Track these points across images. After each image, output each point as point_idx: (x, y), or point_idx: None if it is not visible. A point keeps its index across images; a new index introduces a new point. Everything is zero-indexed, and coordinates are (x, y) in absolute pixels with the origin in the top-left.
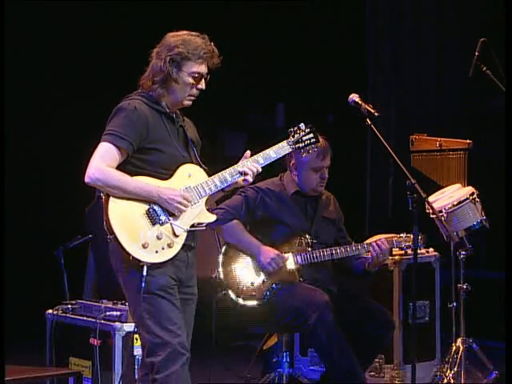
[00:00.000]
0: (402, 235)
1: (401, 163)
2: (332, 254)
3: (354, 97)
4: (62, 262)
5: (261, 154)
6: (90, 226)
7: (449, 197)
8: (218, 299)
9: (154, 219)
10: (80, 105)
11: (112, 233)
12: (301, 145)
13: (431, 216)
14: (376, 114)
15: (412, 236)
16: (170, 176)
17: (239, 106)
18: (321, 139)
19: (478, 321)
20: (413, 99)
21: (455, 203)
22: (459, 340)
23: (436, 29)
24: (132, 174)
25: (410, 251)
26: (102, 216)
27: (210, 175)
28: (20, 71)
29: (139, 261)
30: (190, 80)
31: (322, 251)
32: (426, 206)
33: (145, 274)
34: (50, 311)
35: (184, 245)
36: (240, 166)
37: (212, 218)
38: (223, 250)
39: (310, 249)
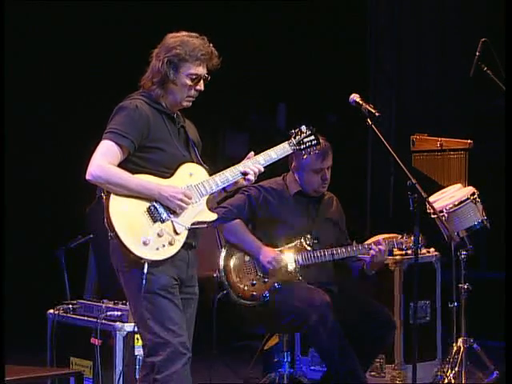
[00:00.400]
0: (402, 236)
1: (402, 163)
2: (333, 254)
3: (355, 97)
4: (63, 261)
5: (262, 155)
6: (91, 226)
7: (450, 197)
8: (218, 299)
9: (154, 217)
10: (80, 105)
11: (113, 230)
12: (302, 146)
13: (432, 216)
14: (377, 113)
15: (412, 237)
16: (171, 175)
17: (240, 106)
18: (321, 140)
19: (478, 321)
20: (413, 99)
21: (456, 203)
22: (460, 340)
23: (436, 29)
24: (133, 172)
25: (410, 251)
26: (103, 215)
27: (211, 174)
28: (20, 71)
29: (140, 258)
30: (188, 81)
31: (323, 251)
32: (427, 205)
33: (145, 271)
34: (51, 311)
35: (185, 243)
36: (241, 165)
37: (213, 216)
38: (224, 249)
39: (310, 249)
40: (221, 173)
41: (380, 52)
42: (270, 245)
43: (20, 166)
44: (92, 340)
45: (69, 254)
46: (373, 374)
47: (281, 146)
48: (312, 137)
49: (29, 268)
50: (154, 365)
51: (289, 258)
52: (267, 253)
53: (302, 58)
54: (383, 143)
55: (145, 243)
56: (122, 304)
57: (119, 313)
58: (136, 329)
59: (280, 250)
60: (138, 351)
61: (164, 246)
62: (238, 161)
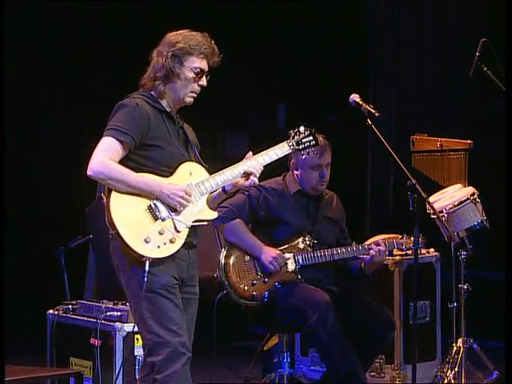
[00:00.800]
0: (402, 237)
1: (401, 163)
2: (333, 254)
3: (355, 97)
4: (63, 262)
5: (261, 155)
6: (91, 226)
7: (449, 197)
8: (218, 299)
9: (155, 214)
10: (80, 105)
11: (114, 228)
12: (301, 147)
13: (432, 216)
14: (377, 114)
15: (412, 238)
16: (171, 173)
17: (240, 106)
18: (319, 138)
19: (478, 321)
20: (413, 99)
21: (456, 203)
22: (460, 340)
23: (436, 29)
24: (133, 170)
25: (410, 252)
26: (103, 215)
27: (210, 174)
28: (20, 71)
29: (141, 256)
30: (192, 75)
31: (323, 252)
32: (427, 206)
33: (147, 269)
34: (51, 311)
35: (186, 242)
36: (241, 165)
37: (213, 215)
38: (224, 249)
39: (310, 249)
40: (220, 172)
41: (380, 52)
42: (271, 245)
43: (20, 166)
44: (92, 340)
45: (69, 254)
46: (372, 374)
47: (280, 145)
48: (311, 137)
49: (29, 268)
50: (154, 365)
51: (289, 258)
52: (268, 253)
53: (302, 57)
54: (383, 143)
55: (146, 241)
56: (122, 304)
57: (119, 313)
58: (136, 329)
59: (280, 250)
60: (138, 351)
61: (165, 243)
62: (238, 161)
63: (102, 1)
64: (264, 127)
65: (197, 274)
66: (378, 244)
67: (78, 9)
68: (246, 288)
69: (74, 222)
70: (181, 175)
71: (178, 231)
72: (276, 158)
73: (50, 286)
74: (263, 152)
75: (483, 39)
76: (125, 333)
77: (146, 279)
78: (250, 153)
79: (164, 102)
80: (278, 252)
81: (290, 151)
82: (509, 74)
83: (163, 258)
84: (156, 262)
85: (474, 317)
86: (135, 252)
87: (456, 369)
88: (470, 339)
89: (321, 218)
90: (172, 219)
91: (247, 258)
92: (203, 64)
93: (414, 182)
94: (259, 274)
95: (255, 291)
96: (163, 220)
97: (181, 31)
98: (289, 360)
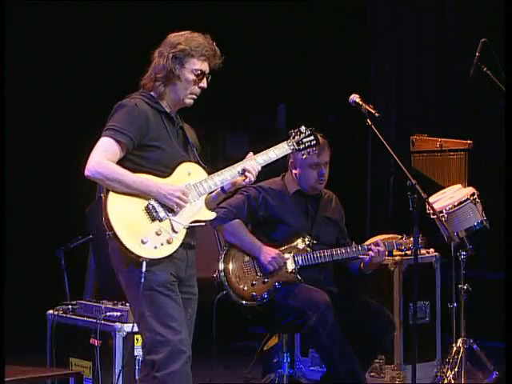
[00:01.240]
0: (402, 237)
1: (401, 163)
2: (332, 254)
3: (355, 97)
4: (63, 262)
5: (261, 155)
6: (91, 227)
7: (449, 197)
8: (218, 299)
9: (153, 215)
10: (80, 105)
11: (111, 229)
12: (301, 147)
13: (432, 216)
14: (376, 114)
15: (411, 239)
16: (170, 174)
17: (240, 106)
18: (318, 136)
19: (478, 321)
20: (413, 99)
21: (456, 204)
22: (460, 340)
23: (436, 29)
24: (131, 171)
25: (410, 252)
26: (102, 215)
27: (209, 174)
28: (20, 71)
29: (139, 257)
30: (193, 77)
31: (322, 252)
32: (427, 206)
33: (144, 269)
34: (51, 311)
35: (183, 243)
36: (240, 165)
37: (211, 215)
38: (224, 250)
39: (310, 249)
40: (219, 172)
41: (380, 52)
42: (270, 245)
43: (20, 166)
44: (91, 340)
45: (69, 254)
46: (372, 374)
47: (280, 145)
48: (311, 137)
49: (29, 268)
50: (154, 363)
51: (288, 258)
52: (267, 253)
53: (302, 57)
54: (383, 143)
55: (143, 242)
56: (122, 304)
57: (119, 313)
58: (136, 328)
59: (280, 251)
60: (138, 351)
61: (162, 244)
62: (238, 161)
63: (102, 1)
64: (264, 127)
65: (195, 275)
66: (377, 244)
67: (78, 9)
68: (245, 288)
69: (74, 222)
70: (179, 175)
71: (176, 232)
72: (276, 158)
73: (50, 286)
74: (263, 152)
75: (483, 39)
76: (125, 333)
77: (143, 280)
78: (251, 153)
79: (164, 103)
80: (278, 252)
81: (289, 151)
82: (509, 74)
83: (160, 258)
84: (153, 261)
85: (474, 317)
86: (132, 253)
87: (456, 369)
88: (470, 339)
89: (320, 218)
90: (169, 220)
91: (247, 258)
92: (204, 66)
93: (413, 182)
94: (259, 274)
95: (255, 291)
96: (160, 220)
97: (183, 32)
98: (289, 360)
